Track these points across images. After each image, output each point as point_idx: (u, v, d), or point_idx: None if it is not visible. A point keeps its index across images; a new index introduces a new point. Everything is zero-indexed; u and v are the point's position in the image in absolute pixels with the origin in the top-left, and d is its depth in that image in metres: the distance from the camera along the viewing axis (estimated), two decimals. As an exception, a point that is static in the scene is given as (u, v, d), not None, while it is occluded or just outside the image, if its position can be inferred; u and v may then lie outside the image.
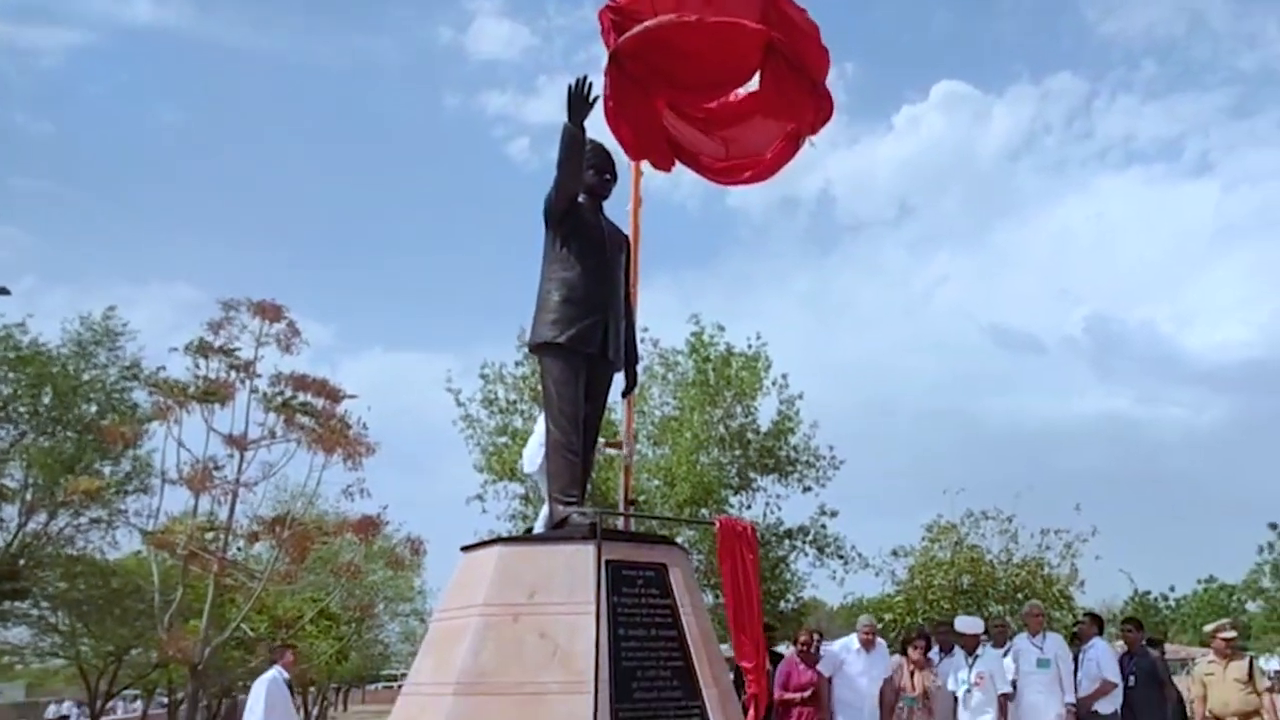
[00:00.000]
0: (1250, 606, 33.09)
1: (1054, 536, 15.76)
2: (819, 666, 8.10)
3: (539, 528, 6.40)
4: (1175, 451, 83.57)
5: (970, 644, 7.83)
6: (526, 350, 17.58)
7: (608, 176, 6.12)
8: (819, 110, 6.41)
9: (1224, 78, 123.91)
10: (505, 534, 16.03)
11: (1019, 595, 14.39)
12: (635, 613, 4.87)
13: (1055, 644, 8.02)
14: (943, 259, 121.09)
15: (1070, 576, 15.40)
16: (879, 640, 8.31)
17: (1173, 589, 42.21)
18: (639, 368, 6.61)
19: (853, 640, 8.28)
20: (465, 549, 5.40)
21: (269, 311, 17.24)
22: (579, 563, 4.85)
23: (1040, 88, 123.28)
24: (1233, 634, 7.24)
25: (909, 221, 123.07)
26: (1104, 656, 7.91)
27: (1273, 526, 29.93)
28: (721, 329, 17.96)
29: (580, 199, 5.90)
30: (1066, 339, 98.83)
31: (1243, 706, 6.83)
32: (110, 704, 28.40)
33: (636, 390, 6.37)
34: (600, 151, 6.12)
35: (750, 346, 17.89)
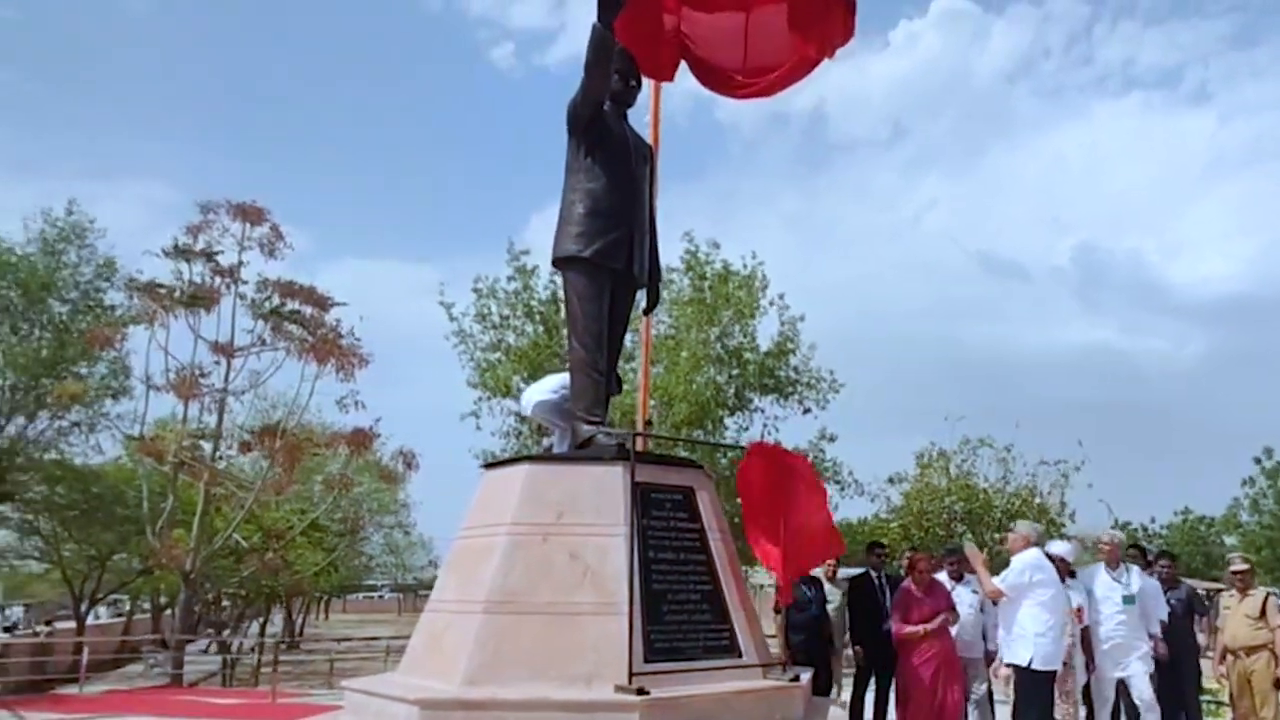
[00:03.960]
0: (1227, 539, 33.77)
1: (1051, 467, 15.95)
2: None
3: (558, 448, 6.28)
4: (1155, 383, 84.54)
5: (1062, 571, 6.75)
6: (516, 265, 17.37)
7: (633, 83, 5.78)
8: (845, 27, 6.19)
9: (1227, 5, 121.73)
10: (501, 451, 16.01)
11: (1012, 523, 14.59)
12: (664, 535, 4.78)
13: (1139, 578, 7.06)
14: (932, 182, 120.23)
15: (1058, 507, 15.67)
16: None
17: (1154, 520, 43.21)
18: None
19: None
20: (488, 466, 5.27)
21: (251, 214, 16.70)
22: (608, 484, 4.73)
23: (1041, 9, 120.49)
24: (1243, 567, 7.00)
25: (901, 143, 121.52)
26: (1155, 596, 7.04)
27: (1257, 461, 29.40)
28: (717, 246, 17.69)
29: (605, 106, 5.59)
30: (1053, 268, 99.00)
31: (1249, 640, 6.72)
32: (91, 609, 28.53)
33: (643, 308, 6.17)
34: (626, 56, 5.76)
35: (745, 266, 17.65)
